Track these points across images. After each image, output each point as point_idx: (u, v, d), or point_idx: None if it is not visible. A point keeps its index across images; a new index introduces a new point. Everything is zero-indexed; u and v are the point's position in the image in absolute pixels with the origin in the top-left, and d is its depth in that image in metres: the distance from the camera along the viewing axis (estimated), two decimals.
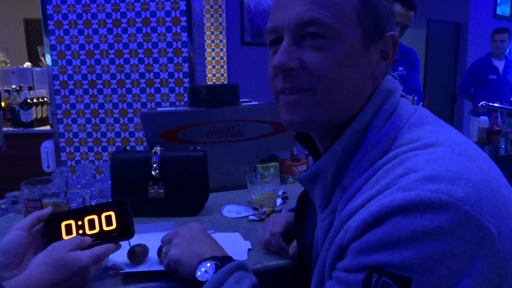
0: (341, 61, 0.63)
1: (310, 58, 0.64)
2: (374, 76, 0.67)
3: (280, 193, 1.30)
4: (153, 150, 1.22)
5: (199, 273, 0.75)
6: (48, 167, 2.74)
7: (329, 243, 0.63)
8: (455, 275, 0.51)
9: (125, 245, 0.87)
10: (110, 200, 1.29)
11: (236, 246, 0.99)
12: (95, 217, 0.84)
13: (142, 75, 2.49)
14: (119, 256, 0.88)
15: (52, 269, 0.73)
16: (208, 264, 0.75)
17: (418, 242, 0.50)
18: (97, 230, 0.84)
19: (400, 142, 0.62)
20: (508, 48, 4.58)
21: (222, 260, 0.76)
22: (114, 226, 0.85)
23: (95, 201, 1.38)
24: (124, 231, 0.85)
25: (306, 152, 1.80)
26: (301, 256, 0.85)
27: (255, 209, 1.21)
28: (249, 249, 0.97)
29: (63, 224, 0.83)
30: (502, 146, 2.18)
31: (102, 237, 0.84)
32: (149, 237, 0.97)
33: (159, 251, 0.88)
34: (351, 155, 0.65)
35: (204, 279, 0.74)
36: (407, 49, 2.72)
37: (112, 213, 0.85)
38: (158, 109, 1.70)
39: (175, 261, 0.80)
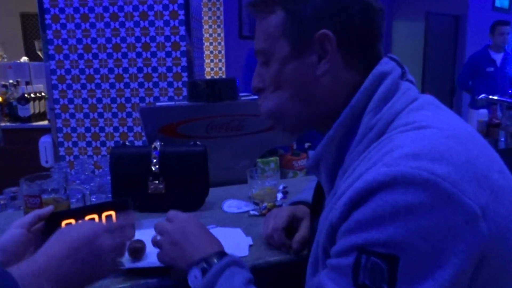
0: (277, 75, 0.71)
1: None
2: (317, 76, 0.68)
3: (281, 187, 1.29)
4: (153, 145, 1.21)
5: (190, 280, 0.75)
6: (47, 162, 2.73)
7: (323, 222, 0.64)
8: (440, 252, 0.51)
9: None
10: (109, 195, 1.28)
11: (237, 241, 0.98)
12: (95, 216, 0.84)
13: (140, 69, 2.48)
14: None
15: (64, 244, 0.69)
16: (196, 269, 0.74)
17: (401, 218, 0.51)
18: None
19: (395, 125, 0.62)
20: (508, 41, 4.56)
21: (210, 261, 0.74)
22: None
23: (94, 196, 1.37)
24: None
25: (306, 146, 1.80)
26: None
27: (256, 204, 1.20)
28: (250, 245, 0.97)
29: (63, 223, 0.82)
30: (502, 139, 2.17)
31: None
32: (148, 232, 0.96)
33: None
34: (350, 140, 0.67)
35: (195, 286, 0.73)
36: None
37: (113, 213, 0.85)
38: (158, 103, 1.69)
39: (166, 264, 0.81)
